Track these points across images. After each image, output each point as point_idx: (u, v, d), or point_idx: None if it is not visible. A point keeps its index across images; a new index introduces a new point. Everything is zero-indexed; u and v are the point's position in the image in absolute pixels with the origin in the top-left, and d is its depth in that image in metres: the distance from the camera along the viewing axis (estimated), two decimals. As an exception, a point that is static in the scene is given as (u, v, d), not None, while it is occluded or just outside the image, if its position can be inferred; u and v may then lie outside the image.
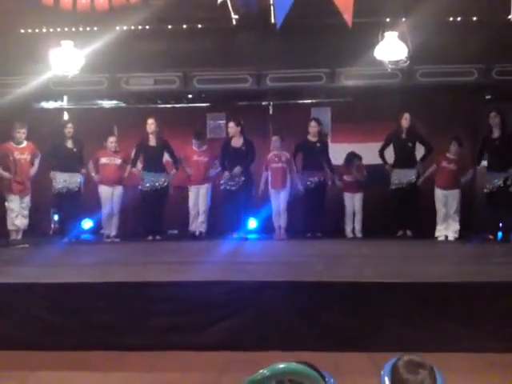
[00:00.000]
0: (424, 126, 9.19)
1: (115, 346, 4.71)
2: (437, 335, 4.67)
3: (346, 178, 9.24)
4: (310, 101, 10.05)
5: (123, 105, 10.27)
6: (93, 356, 4.65)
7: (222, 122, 10.24)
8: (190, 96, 9.93)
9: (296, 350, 4.31)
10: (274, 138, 9.20)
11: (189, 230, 9.27)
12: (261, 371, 1.59)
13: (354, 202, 9.21)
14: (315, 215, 8.99)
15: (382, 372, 2.05)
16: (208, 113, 10.29)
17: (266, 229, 9.44)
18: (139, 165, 9.01)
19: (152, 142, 9.03)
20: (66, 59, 8.23)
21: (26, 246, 8.28)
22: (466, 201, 9.02)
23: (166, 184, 9.03)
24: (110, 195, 9.00)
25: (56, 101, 10.21)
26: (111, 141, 9.04)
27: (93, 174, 9.04)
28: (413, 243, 8.50)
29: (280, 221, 9.16)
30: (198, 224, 9.23)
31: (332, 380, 2.18)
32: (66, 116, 10.25)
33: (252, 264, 6.52)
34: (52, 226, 9.94)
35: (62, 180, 8.71)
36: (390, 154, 9.13)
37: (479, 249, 7.76)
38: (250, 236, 9.24)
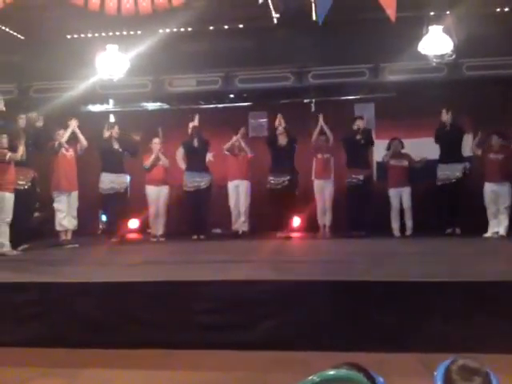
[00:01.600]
0: (469, 120, 9.02)
1: (162, 345, 4.77)
2: (488, 336, 4.56)
3: (392, 162, 9.07)
4: (353, 97, 9.96)
5: (167, 106, 10.38)
6: (140, 354, 4.71)
7: (263, 120, 10.25)
8: (231, 96, 9.97)
9: (342, 350, 4.27)
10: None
11: (232, 229, 9.35)
12: (310, 378, 1.57)
13: (401, 197, 9.00)
14: (360, 213, 8.87)
15: (435, 374, 1.99)
16: (250, 112, 10.30)
17: (310, 227, 9.39)
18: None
19: (195, 142, 9.12)
20: (112, 63, 8.36)
21: (76, 246, 8.45)
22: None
23: (208, 184, 9.10)
24: (156, 195, 9.10)
25: (102, 104, 10.41)
26: (156, 142, 9.14)
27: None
28: (462, 240, 8.33)
29: (325, 219, 9.09)
30: (239, 223, 9.29)
31: (381, 380, 2.15)
32: (112, 118, 10.43)
33: (297, 263, 6.52)
34: (100, 226, 10.13)
35: (109, 181, 8.85)
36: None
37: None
38: (295, 235, 9.21)
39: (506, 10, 8.47)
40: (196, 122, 9.16)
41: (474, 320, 4.66)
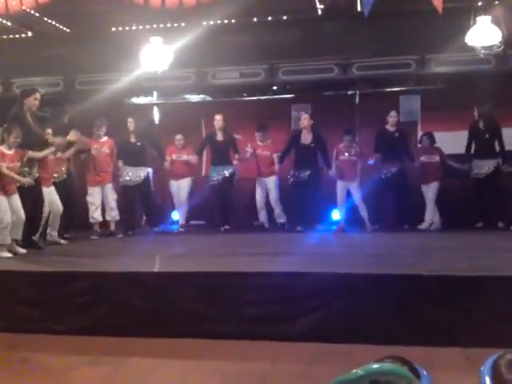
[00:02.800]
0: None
1: (206, 335, 4.81)
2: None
3: (423, 158, 8.99)
4: (398, 89, 9.81)
5: (210, 99, 10.43)
6: (185, 344, 4.76)
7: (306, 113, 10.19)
8: (274, 88, 9.95)
9: (386, 343, 4.23)
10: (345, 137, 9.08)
11: (257, 221, 9.40)
12: (354, 371, 1.55)
13: (428, 191, 8.97)
14: (393, 207, 8.84)
15: (481, 369, 1.95)
16: (293, 104, 10.26)
17: (351, 221, 9.32)
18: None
19: (219, 137, 9.19)
20: (156, 55, 8.44)
21: (120, 235, 8.63)
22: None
23: (231, 176, 9.20)
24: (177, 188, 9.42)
25: (146, 96, 10.52)
26: (178, 138, 9.35)
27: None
28: (503, 234, 8.17)
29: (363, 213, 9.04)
30: (276, 216, 9.34)
31: (426, 373, 2.12)
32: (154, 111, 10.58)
33: (339, 255, 6.49)
34: (144, 217, 10.26)
35: (128, 174, 8.94)
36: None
37: None
38: (333, 228, 9.18)
39: (558, -2, 8.21)
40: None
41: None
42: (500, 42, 7.70)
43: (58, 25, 9.37)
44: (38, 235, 7.32)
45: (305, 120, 9.06)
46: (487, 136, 8.75)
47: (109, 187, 8.74)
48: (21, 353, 4.72)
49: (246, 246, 7.62)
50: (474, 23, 7.78)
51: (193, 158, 9.29)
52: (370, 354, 2.19)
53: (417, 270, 5.09)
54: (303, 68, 9.23)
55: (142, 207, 9.41)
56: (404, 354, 2.08)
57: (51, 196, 7.46)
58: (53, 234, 7.73)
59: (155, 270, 5.51)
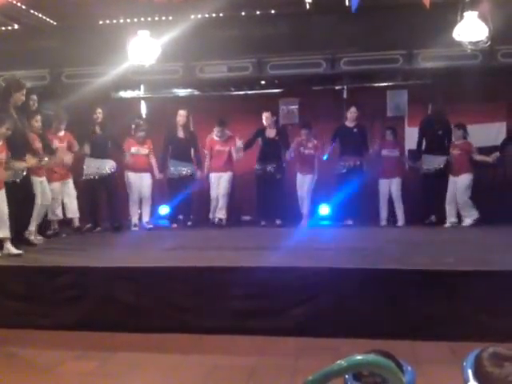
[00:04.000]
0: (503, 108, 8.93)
1: (193, 329, 4.82)
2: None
3: (386, 152, 9.07)
4: (385, 84, 9.84)
5: (198, 93, 10.40)
6: (172, 338, 4.78)
7: (294, 107, 10.19)
8: (262, 82, 9.94)
9: (372, 337, 4.26)
10: (303, 131, 9.10)
11: (210, 218, 9.33)
12: (338, 362, 1.56)
13: (390, 188, 9.03)
14: (350, 201, 8.84)
15: (464, 363, 1.98)
16: (281, 98, 10.26)
17: (338, 215, 9.36)
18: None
19: (180, 133, 9.17)
20: (143, 49, 8.39)
21: (64, 235, 8.34)
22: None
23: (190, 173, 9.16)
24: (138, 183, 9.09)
25: (133, 90, 10.47)
26: (142, 129, 9.14)
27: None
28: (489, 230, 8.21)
29: (303, 208, 9.10)
30: (217, 209, 9.27)
31: (410, 368, 2.14)
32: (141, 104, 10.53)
33: (327, 250, 6.51)
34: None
35: (93, 166, 8.76)
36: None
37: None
38: (322, 223, 9.23)
39: (544, -5, 8.26)
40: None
41: (506, 309, 4.61)
42: (487, 38, 7.72)
43: (44, 17, 9.28)
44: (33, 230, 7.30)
45: (266, 119, 9.14)
46: (440, 133, 8.91)
47: (69, 183, 8.51)
48: (7, 348, 4.73)
49: (229, 240, 7.67)
50: (462, 18, 7.79)
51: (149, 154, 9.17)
52: (356, 347, 2.21)
53: (401, 265, 5.13)
54: (291, 62, 9.21)
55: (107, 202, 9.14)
56: (390, 348, 2.11)
57: (44, 187, 7.44)
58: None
59: (141, 264, 5.49)
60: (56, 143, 8.39)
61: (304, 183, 9.13)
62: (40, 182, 7.38)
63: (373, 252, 6.12)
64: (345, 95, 9.96)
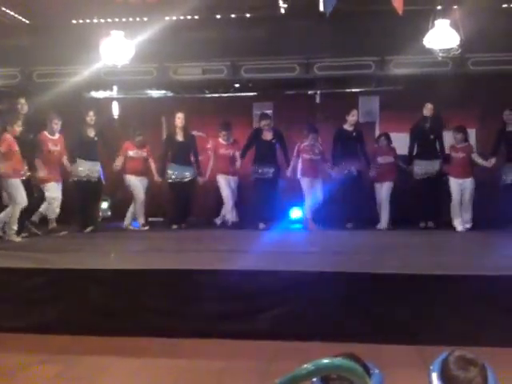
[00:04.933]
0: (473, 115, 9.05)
1: (165, 333, 4.79)
2: (487, 329, 4.58)
3: (379, 159, 9.09)
4: (358, 89, 9.93)
5: (171, 94, 10.36)
6: (142, 342, 4.74)
7: (268, 111, 10.21)
8: (237, 85, 9.95)
9: (343, 341, 4.29)
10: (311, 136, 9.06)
11: (226, 220, 9.31)
12: (305, 366, 1.58)
13: (381, 191, 9.07)
14: (350, 205, 8.90)
15: (430, 367, 2.01)
16: (254, 102, 10.28)
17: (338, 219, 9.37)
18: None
19: (179, 136, 9.11)
20: (117, 49, 8.33)
21: (65, 233, 8.43)
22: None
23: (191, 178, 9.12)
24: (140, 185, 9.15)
25: (106, 90, 10.38)
26: (138, 134, 9.11)
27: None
28: (456, 234, 8.40)
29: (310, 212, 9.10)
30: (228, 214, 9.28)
31: (377, 371, 2.17)
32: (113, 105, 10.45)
33: (299, 254, 6.53)
34: (100, 213, 10.10)
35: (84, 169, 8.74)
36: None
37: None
38: (294, 226, 9.25)
39: (513, 5, 8.44)
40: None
41: (473, 313, 4.69)
42: (458, 46, 7.84)
43: (16, 15, 9.16)
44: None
45: (263, 120, 9.07)
46: (432, 137, 8.92)
47: (58, 185, 8.52)
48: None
49: (206, 242, 7.63)
50: (433, 26, 7.90)
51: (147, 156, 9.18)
52: (327, 351, 2.22)
53: (371, 269, 5.18)
54: (266, 66, 9.24)
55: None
56: (360, 351, 2.13)
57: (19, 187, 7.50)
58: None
59: (114, 267, 5.44)
60: (50, 146, 8.41)
61: (314, 187, 9.07)
62: (16, 183, 7.42)
63: (348, 256, 6.16)
64: (318, 100, 10.02)
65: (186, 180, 9.09)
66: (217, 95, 10.22)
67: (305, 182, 9.07)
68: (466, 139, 8.80)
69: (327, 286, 4.93)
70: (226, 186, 9.22)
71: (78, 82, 9.19)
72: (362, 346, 3.69)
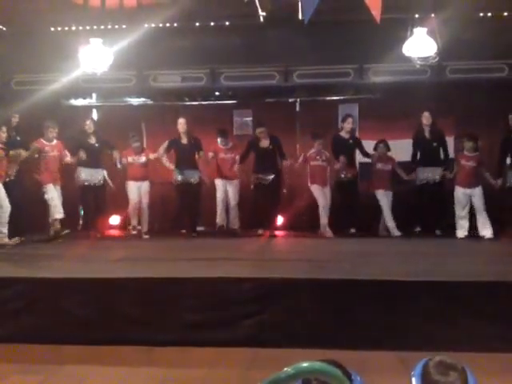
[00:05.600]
0: (451, 123, 9.14)
1: (143, 341, 4.75)
2: (467, 335, 4.61)
3: (378, 165, 9.08)
4: (337, 97, 9.98)
5: (151, 102, 10.33)
6: (120, 351, 4.70)
7: (248, 118, 10.23)
8: (217, 93, 9.95)
9: (323, 347, 4.29)
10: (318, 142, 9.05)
11: (216, 223, 9.27)
12: (285, 369, 1.57)
13: (384, 200, 8.99)
14: (349, 212, 8.94)
15: (412, 372, 2.02)
16: (235, 109, 10.28)
17: (295, 226, 9.41)
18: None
19: (184, 140, 9.09)
20: (95, 57, 8.29)
21: (68, 231, 8.48)
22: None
23: (198, 180, 9.10)
24: (137, 191, 9.12)
25: (85, 98, 10.32)
26: (136, 139, 9.16)
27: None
28: (439, 241, 8.42)
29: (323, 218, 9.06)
30: (230, 220, 9.28)
31: (359, 378, 2.16)
32: (92, 113, 10.39)
33: (280, 261, 6.52)
34: (80, 221, 10.03)
35: (86, 175, 8.86)
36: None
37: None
38: (279, 233, 9.27)
39: (489, 15, 8.56)
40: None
41: (454, 319, 4.71)
42: (435, 54, 7.93)
43: (-7, 22, 9.08)
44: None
45: (258, 129, 9.08)
46: (434, 144, 8.90)
47: (58, 188, 8.54)
48: None
49: (187, 251, 7.59)
50: (411, 34, 8.00)
51: (153, 156, 9.14)
52: (306, 358, 2.20)
53: (351, 275, 5.19)
54: (245, 74, 9.27)
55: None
56: (341, 357, 2.12)
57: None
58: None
59: (91, 275, 5.38)
60: (48, 151, 8.45)
61: (325, 194, 9.02)
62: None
63: (327, 263, 6.17)
64: (297, 108, 10.06)
65: (193, 182, 9.05)
66: (196, 103, 10.21)
67: (316, 189, 9.05)
68: (477, 148, 8.69)
69: (304, 293, 4.93)
70: (221, 189, 9.25)
71: (56, 89, 9.13)
72: (343, 353, 3.69)
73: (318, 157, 9.06)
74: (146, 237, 9.08)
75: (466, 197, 8.61)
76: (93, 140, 8.94)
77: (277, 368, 1.94)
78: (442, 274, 5.25)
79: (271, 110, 9.76)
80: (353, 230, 8.99)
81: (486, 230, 8.46)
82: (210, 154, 9.15)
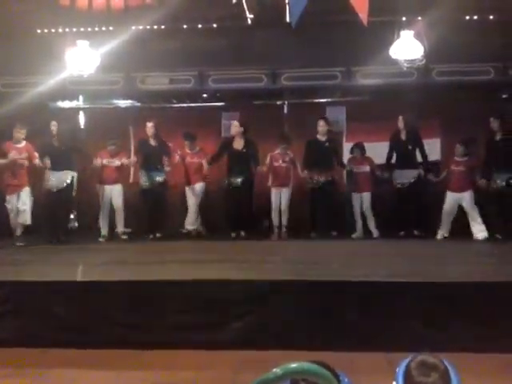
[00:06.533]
0: (437, 125, 9.20)
1: (130, 344, 4.73)
2: (453, 335, 4.64)
3: (355, 169, 9.11)
4: (325, 100, 10.00)
5: (138, 104, 10.30)
6: (108, 354, 4.67)
7: (236, 121, 10.22)
8: (204, 95, 9.94)
9: (311, 349, 4.29)
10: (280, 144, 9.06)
11: (185, 227, 9.25)
12: (274, 370, 1.58)
13: (360, 202, 9.07)
14: (323, 214, 8.91)
15: (396, 371, 2.02)
16: (223, 112, 10.27)
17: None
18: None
19: (152, 142, 9.06)
20: (82, 59, 8.27)
21: (22, 244, 8.30)
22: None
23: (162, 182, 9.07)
24: (109, 194, 9.05)
25: (72, 100, 10.26)
26: (111, 143, 9.05)
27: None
28: (420, 242, 8.44)
29: (281, 220, 9.09)
30: (192, 222, 9.24)
31: (346, 379, 2.16)
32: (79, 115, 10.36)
33: (264, 263, 6.53)
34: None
35: (52, 179, 8.66)
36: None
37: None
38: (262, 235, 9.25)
39: (475, 17, 8.63)
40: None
41: (442, 320, 4.73)
42: (422, 56, 7.99)
43: (-21, 24, 9.02)
44: None
45: (234, 127, 9.07)
46: (410, 147, 8.96)
47: (25, 191, 8.40)
48: None
49: (173, 253, 7.55)
50: (398, 37, 8.05)
51: (126, 161, 9.04)
52: (295, 359, 2.21)
53: (338, 277, 5.20)
54: (233, 76, 9.26)
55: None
56: (328, 359, 2.12)
57: None
58: None
59: (78, 279, 5.36)
60: (14, 154, 8.29)
61: (281, 197, 9.03)
62: None
63: (313, 264, 6.17)
64: (285, 110, 10.07)
65: (158, 185, 9.01)
66: (184, 105, 10.19)
67: (272, 191, 9.09)
68: (466, 153, 8.74)
69: (291, 294, 4.93)
70: (190, 195, 9.23)
71: (43, 91, 9.07)
72: (331, 354, 3.69)
73: (280, 158, 9.06)
74: (125, 237, 9.02)
75: (455, 201, 8.67)
76: (57, 142, 8.69)
77: (265, 370, 1.94)
78: (429, 276, 5.28)
79: (259, 113, 9.76)
80: (334, 233, 8.99)
81: (479, 233, 8.50)
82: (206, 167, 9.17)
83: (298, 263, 6.33)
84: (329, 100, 10.00)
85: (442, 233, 8.70)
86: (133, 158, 9.01)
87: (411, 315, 4.80)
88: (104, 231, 9.03)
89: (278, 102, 10.07)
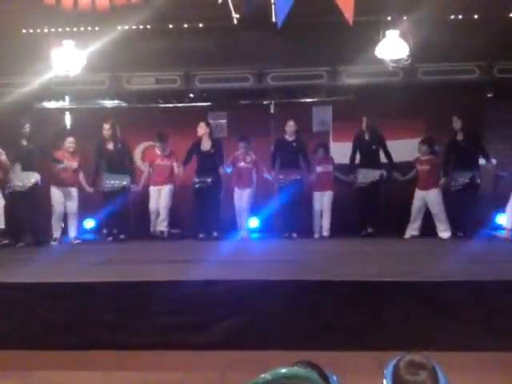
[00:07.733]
0: (422, 124, 9.28)
1: (117, 346, 4.72)
2: (441, 334, 4.66)
3: (317, 169, 9.16)
4: (311, 99, 10.02)
5: (125, 104, 10.26)
6: (94, 355, 4.65)
7: (223, 121, 10.22)
8: (191, 95, 9.92)
9: (299, 349, 4.29)
10: (241, 144, 9.11)
11: (150, 230, 9.23)
12: (262, 375, 1.58)
13: (322, 200, 9.13)
14: (290, 214, 8.94)
15: (384, 372, 2.04)
16: (209, 112, 10.26)
17: (268, 228, 9.45)
18: None
19: (109, 145, 9.00)
20: (68, 59, 8.22)
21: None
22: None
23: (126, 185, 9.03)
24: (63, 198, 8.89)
25: (58, 100, 10.20)
26: (69, 141, 8.97)
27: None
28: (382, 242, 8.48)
29: (242, 220, 9.18)
30: (158, 222, 9.20)
31: (335, 378, 2.18)
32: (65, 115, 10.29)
33: (252, 263, 6.53)
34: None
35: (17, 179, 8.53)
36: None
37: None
38: (253, 235, 9.28)
39: (460, 17, 8.69)
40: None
41: (429, 319, 4.76)
42: (407, 56, 8.02)
43: (-37, 24, 8.94)
44: None
45: (200, 128, 9.06)
46: (374, 147, 9.04)
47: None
48: None
49: (146, 254, 7.59)
50: (383, 37, 8.08)
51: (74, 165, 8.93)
52: (283, 360, 2.22)
53: (325, 276, 5.21)
54: (219, 76, 9.27)
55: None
56: (317, 359, 2.14)
57: None
58: None
59: (64, 280, 5.32)
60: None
61: (242, 197, 9.12)
62: None
63: (299, 264, 6.18)
64: (272, 110, 10.08)
65: (121, 187, 8.96)
66: (171, 105, 10.17)
67: (235, 192, 9.19)
68: (432, 152, 8.90)
69: (279, 294, 4.93)
70: (155, 198, 9.20)
71: (29, 92, 9.02)
72: (319, 354, 3.69)
73: (241, 159, 9.12)
74: (78, 241, 8.91)
75: (422, 199, 8.83)
76: (25, 142, 8.59)
77: (252, 370, 1.94)
78: (412, 275, 5.30)
79: (246, 113, 9.77)
80: (295, 235, 9.00)
81: (443, 232, 8.67)
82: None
83: (284, 262, 6.33)
84: (315, 99, 10.02)
85: (410, 232, 8.84)
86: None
87: (399, 314, 4.81)
88: (56, 234, 8.86)
89: (265, 102, 10.07)
